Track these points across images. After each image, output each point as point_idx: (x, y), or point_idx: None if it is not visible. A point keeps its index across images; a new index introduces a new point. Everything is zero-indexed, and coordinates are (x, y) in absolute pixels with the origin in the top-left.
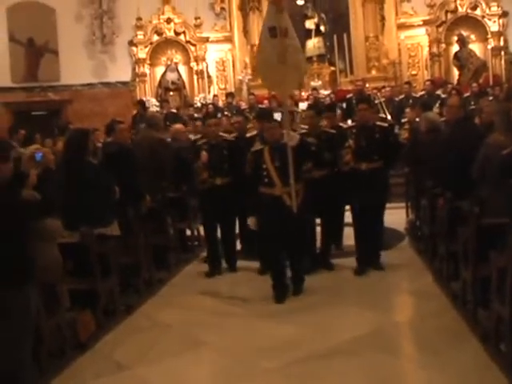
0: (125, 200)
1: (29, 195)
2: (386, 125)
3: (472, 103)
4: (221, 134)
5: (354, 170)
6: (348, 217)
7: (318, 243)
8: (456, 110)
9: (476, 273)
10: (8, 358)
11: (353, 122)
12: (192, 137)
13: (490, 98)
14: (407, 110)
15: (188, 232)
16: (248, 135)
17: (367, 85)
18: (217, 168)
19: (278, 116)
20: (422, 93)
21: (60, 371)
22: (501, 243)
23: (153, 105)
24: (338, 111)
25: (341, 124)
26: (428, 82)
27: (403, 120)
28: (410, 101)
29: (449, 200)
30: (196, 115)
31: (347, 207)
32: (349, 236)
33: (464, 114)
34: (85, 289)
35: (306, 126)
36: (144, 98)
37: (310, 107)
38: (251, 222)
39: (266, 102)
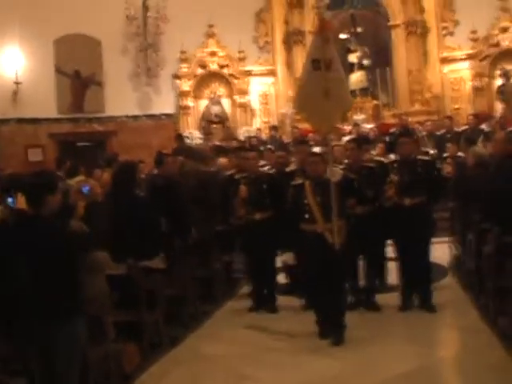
0: (171, 233)
1: (76, 226)
2: (428, 158)
3: None
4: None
5: (397, 206)
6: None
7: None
8: (502, 145)
9: None
10: None
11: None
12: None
13: None
14: (448, 144)
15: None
16: (287, 170)
17: (410, 119)
18: (256, 203)
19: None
20: (465, 127)
21: None
22: None
23: (196, 137)
24: (379, 145)
25: (377, 158)
26: (471, 117)
27: (445, 154)
28: (449, 135)
29: (497, 235)
30: None
31: (389, 242)
32: (390, 271)
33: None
34: (130, 320)
35: (346, 161)
36: (187, 131)
37: (351, 140)
38: (288, 258)
39: (310, 135)
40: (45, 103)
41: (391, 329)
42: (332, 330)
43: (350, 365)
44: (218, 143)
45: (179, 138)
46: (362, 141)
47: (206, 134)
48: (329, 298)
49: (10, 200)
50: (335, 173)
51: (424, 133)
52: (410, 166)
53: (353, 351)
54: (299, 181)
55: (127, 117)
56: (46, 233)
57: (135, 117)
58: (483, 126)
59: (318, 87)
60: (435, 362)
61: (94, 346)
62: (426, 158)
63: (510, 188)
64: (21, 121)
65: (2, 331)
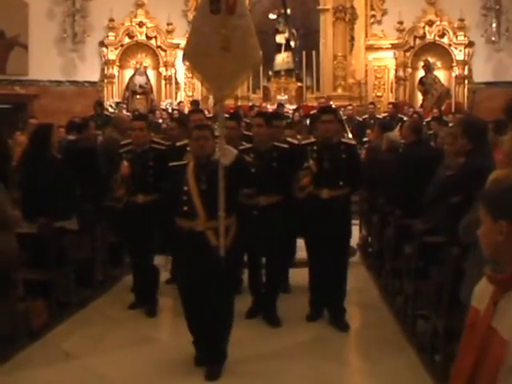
0: (85, 196)
1: None
2: (353, 142)
3: (431, 128)
4: (154, 139)
5: (313, 198)
6: None
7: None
8: (408, 132)
9: (416, 288)
10: None
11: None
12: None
13: (450, 124)
14: (368, 130)
15: None
16: (178, 144)
17: (331, 102)
18: (140, 183)
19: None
20: (385, 114)
21: (10, 357)
22: (440, 260)
23: (119, 107)
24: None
25: (289, 139)
26: (390, 105)
27: (365, 139)
28: (372, 121)
29: (397, 217)
30: (160, 120)
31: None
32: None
33: (417, 137)
34: (40, 279)
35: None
36: (110, 100)
37: (258, 114)
38: (162, 262)
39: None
40: None
41: (292, 303)
42: (209, 358)
43: (248, 331)
44: (136, 113)
45: (98, 105)
46: (271, 116)
47: (129, 104)
48: (208, 317)
49: None
50: (227, 153)
51: (344, 117)
52: (331, 151)
53: (250, 320)
54: (184, 161)
55: (50, 81)
56: None
57: (58, 82)
58: (401, 115)
59: (216, 36)
60: (332, 334)
61: (1, 302)
62: (352, 141)
63: (411, 173)
64: None
65: None
